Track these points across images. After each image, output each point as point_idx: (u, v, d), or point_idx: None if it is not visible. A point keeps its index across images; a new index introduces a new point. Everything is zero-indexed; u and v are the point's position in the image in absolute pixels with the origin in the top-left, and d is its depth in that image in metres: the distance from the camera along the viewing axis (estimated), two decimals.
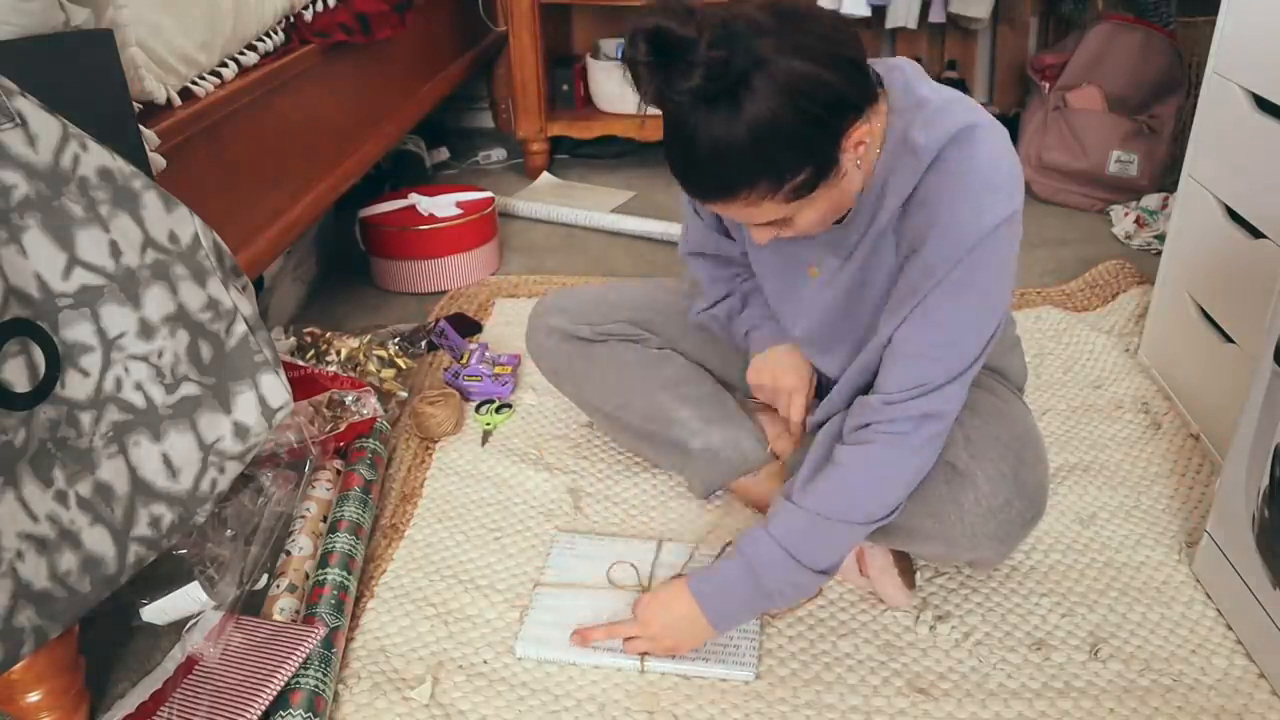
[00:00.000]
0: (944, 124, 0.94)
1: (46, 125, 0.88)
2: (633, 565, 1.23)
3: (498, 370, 1.66)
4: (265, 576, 1.23)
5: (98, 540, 0.94)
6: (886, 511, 1.02)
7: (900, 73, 0.98)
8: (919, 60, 2.82)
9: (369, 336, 1.71)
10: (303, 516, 1.27)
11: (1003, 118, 2.74)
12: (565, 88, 2.82)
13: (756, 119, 0.84)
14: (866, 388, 1.05)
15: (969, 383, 1.01)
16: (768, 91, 0.83)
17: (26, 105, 0.86)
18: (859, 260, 1.05)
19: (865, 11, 2.63)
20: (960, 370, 0.99)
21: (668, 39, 0.81)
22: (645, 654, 1.09)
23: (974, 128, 0.94)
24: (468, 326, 1.88)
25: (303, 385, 1.45)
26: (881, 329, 1.02)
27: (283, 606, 1.14)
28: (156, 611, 1.15)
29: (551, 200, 2.53)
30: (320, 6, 1.82)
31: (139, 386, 0.97)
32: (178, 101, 1.32)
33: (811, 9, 0.89)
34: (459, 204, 2.13)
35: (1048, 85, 2.46)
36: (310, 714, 0.99)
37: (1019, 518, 1.04)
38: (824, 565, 1.03)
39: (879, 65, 0.97)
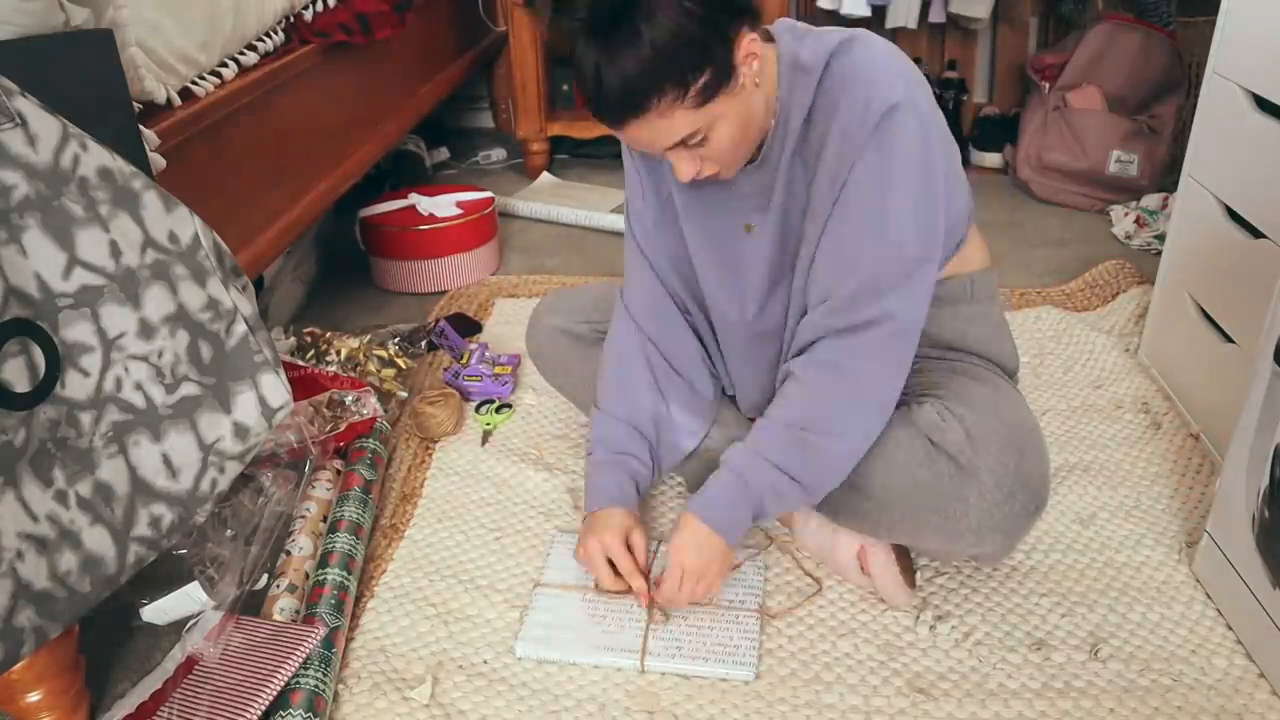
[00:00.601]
0: (826, 41, 1.02)
1: (46, 125, 0.88)
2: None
3: (498, 370, 1.66)
4: (265, 576, 1.23)
5: (98, 540, 0.94)
6: (867, 414, 1.04)
7: (782, 22, 1.06)
8: (919, 60, 2.84)
9: (369, 336, 1.71)
10: (303, 516, 1.27)
11: (1003, 118, 2.76)
12: (565, 88, 2.82)
13: (653, 29, 0.89)
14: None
15: (922, 285, 1.02)
16: (657, 2, 0.89)
17: (26, 105, 0.86)
18: (780, 198, 1.07)
19: (865, 11, 2.63)
20: (899, 267, 1.00)
21: None
22: (691, 603, 1.12)
23: (852, 39, 1.02)
24: (468, 326, 1.88)
25: (303, 385, 1.45)
26: (804, 248, 1.05)
27: (283, 606, 1.14)
28: (156, 611, 1.15)
29: (551, 200, 2.53)
30: (320, 6, 1.82)
31: (139, 386, 0.97)
32: (178, 101, 1.32)
33: None
34: (459, 204, 2.13)
35: (1048, 85, 2.46)
36: (310, 714, 0.99)
37: (1023, 510, 1.05)
38: (802, 477, 1.06)
39: (767, 25, 1.05)
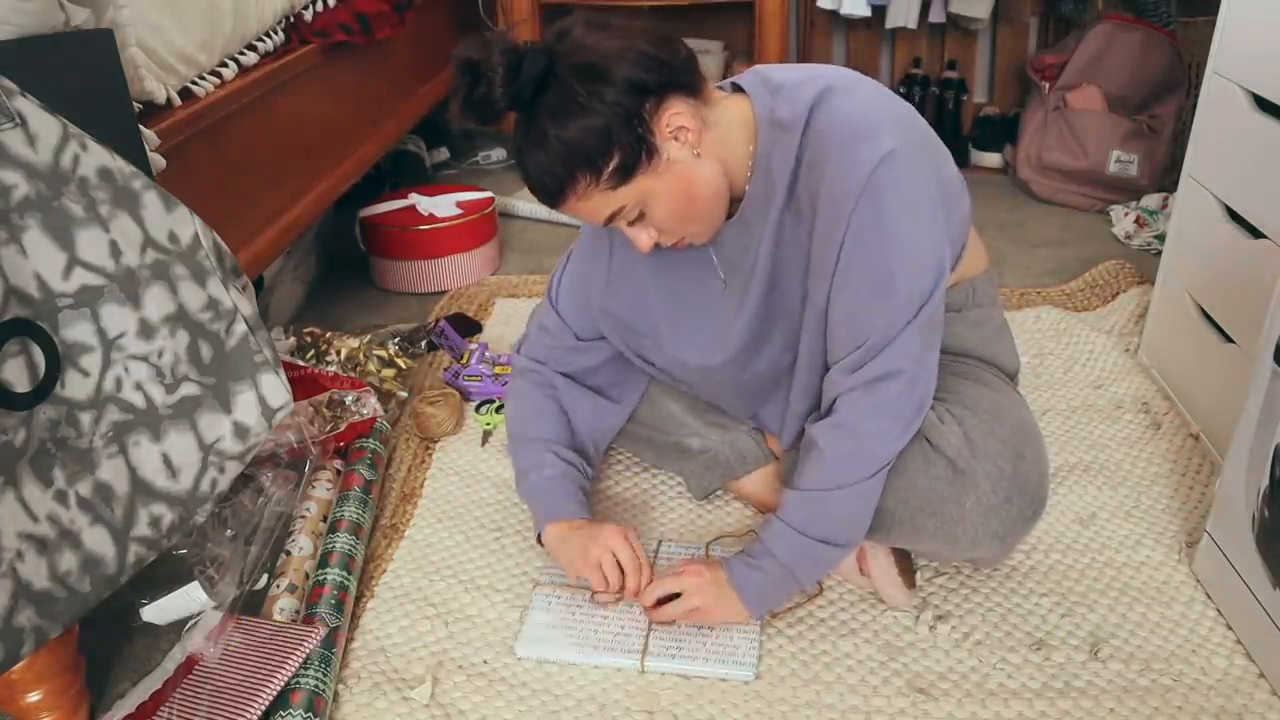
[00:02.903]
0: (803, 95, 1.01)
1: (46, 125, 0.88)
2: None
3: (498, 370, 1.66)
4: (265, 576, 1.23)
5: (98, 540, 0.94)
6: (875, 470, 1.03)
7: (754, 72, 1.06)
8: (918, 60, 2.84)
9: (369, 336, 1.72)
10: (303, 516, 1.27)
11: (1003, 118, 2.76)
12: None
13: (555, 120, 0.94)
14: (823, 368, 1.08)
15: (925, 332, 1.01)
16: (559, 92, 0.94)
17: (26, 105, 0.86)
18: (765, 255, 1.07)
19: (865, 11, 2.64)
20: (902, 319, 0.99)
21: (469, 64, 0.93)
22: (667, 623, 1.12)
23: (829, 90, 1.00)
24: (468, 326, 1.88)
25: (303, 385, 1.45)
26: (814, 298, 1.05)
27: (283, 606, 1.14)
28: (156, 611, 1.15)
29: None
30: (320, 6, 1.82)
31: (139, 386, 0.97)
32: (178, 101, 1.32)
33: (610, 25, 0.98)
34: (459, 204, 2.13)
35: (1048, 85, 2.46)
36: (310, 714, 0.99)
37: (1020, 514, 1.05)
38: (844, 539, 1.06)
39: (737, 77, 1.07)
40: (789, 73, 1.05)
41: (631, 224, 1.03)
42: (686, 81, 0.99)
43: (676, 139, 0.98)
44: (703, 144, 1.00)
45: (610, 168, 0.96)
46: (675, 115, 0.97)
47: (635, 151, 0.96)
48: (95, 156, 0.92)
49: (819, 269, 1.03)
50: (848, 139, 0.97)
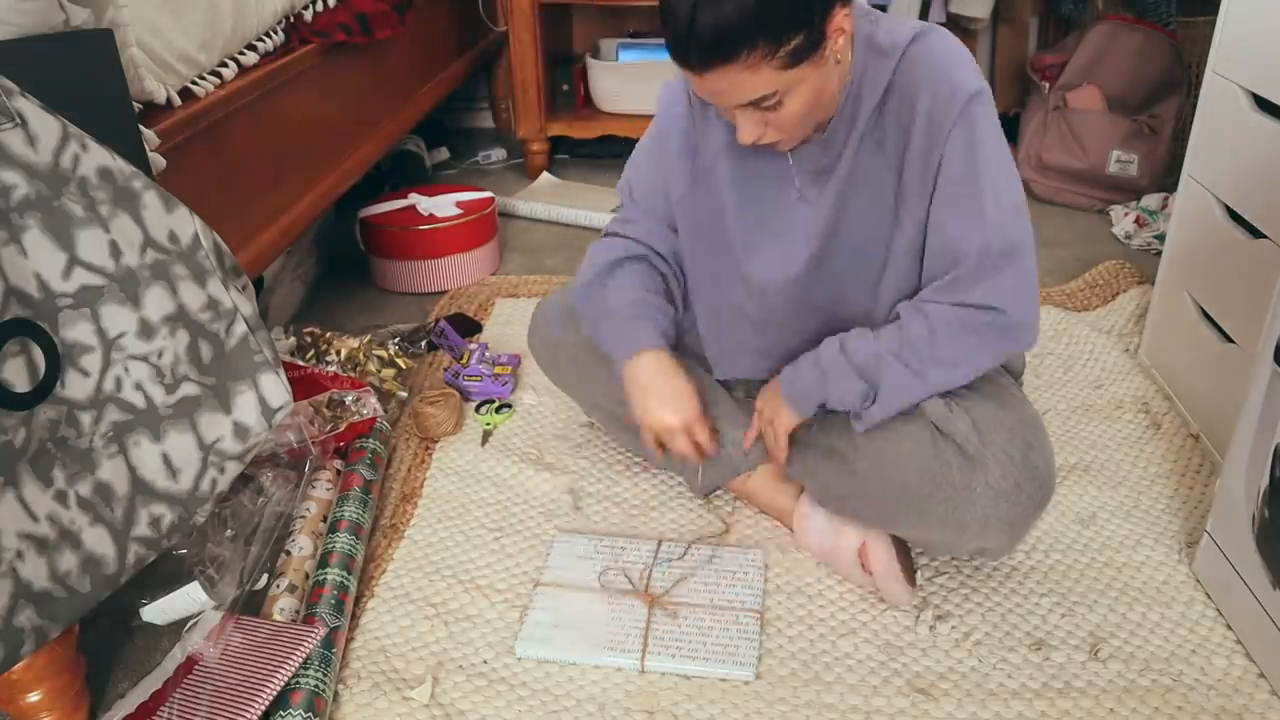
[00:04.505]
0: (904, 27, 1.04)
1: (46, 125, 0.88)
2: (624, 574, 1.23)
3: (498, 370, 1.66)
4: (265, 576, 1.23)
5: (98, 540, 0.94)
6: (938, 379, 1.06)
7: (856, 2, 1.05)
8: None
9: (369, 336, 1.72)
10: (303, 516, 1.27)
11: (1003, 118, 2.75)
12: (565, 88, 2.82)
13: None
14: (887, 310, 1.12)
15: (1026, 274, 1.04)
16: None
17: (26, 105, 0.86)
18: (842, 176, 1.08)
19: None
20: (1002, 243, 1.01)
21: None
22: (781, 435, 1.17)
23: (930, 29, 1.04)
24: (468, 326, 1.88)
25: (303, 385, 1.45)
26: (905, 227, 1.07)
27: (283, 606, 1.14)
28: (156, 611, 1.15)
29: (551, 200, 2.52)
30: (320, 6, 1.82)
31: (139, 386, 0.97)
32: (178, 101, 1.32)
33: None
34: (459, 204, 2.13)
35: (1048, 85, 2.46)
36: (310, 714, 0.99)
37: (1029, 501, 1.05)
38: (875, 382, 1.07)
39: None
40: (889, 14, 1.08)
41: (758, 110, 0.99)
42: None
43: (834, 39, 0.97)
44: (840, 50, 1.00)
45: (790, 46, 0.93)
46: (846, 17, 0.97)
47: (815, 39, 0.95)
48: (95, 156, 0.92)
49: (915, 192, 1.05)
50: (945, 70, 1.01)
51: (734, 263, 1.20)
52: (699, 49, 0.93)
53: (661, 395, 1.16)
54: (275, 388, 1.08)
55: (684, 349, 1.30)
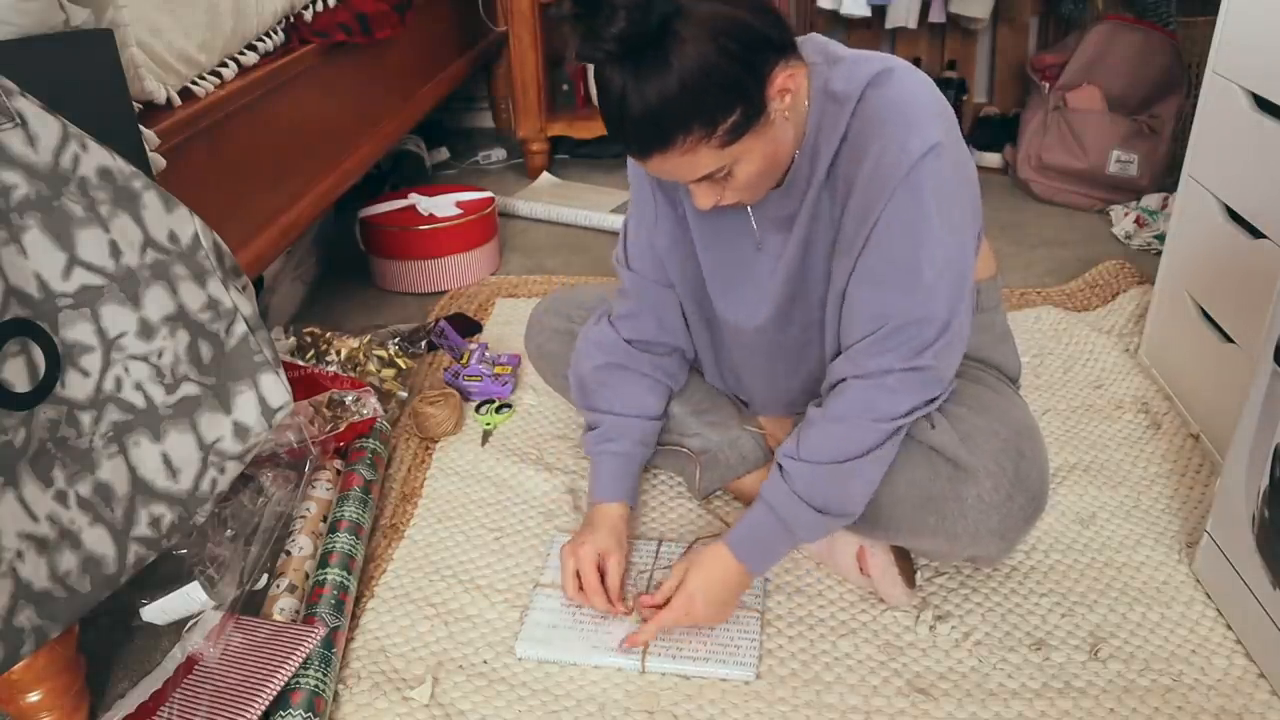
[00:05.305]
0: (861, 71, 0.98)
1: (46, 125, 0.88)
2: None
3: (498, 370, 1.66)
4: (265, 576, 1.23)
5: (98, 540, 0.94)
6: (874, 443, 1.03)
7: (813, 41, 1.03)
8: (918, 61, 2.84)
9: (369, 336, 1.72)
10: (303, 516, 1.27)
11: (1003, 118, 2.76)
12: (565, 88, 2.82)
13: (684, 63, 0.86)
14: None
15: (952, 338, 1.00)
16: (692, 35, 0.86)
17: (26, 105, 0.86)
18: (803, 225, 1.06)
19: (865, 11, 2.64)
20: (927, 317, 0.98)
21: None
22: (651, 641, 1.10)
23: (890, 71, 0.98)
24: (468, 326, 1.88)
25: (303, 385, 1.45)
26: (835, 279, 1.04)
27: (283, 606, 1.14)
28: (156, 611, 1.15)
29: (551, 200, 2.53)
30: (320, 6, 1.82)
31: (139, 386, 0.97)
32: (178, 101, 1.32)
33: None
34: (459, 204, 2.13)
35: (1048, 85, 2.46)
36: (310, 714, 0.99)
37: (1020, 512, 1.05)
38: (845, 510, 1.06)
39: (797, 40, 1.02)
40: (846, 49, 1.02)
41: (712, 181, 0.98)
42: (791, 41, 0.96)
43: (779, 100, 0.94)
44: (789, 108, 0.97)
45: (727, 124, 0.90)
46: (790, 76, 0.93)
47: (754, 110, 0.92)
48: (95, 156, 0.92)
49: (845, 247, 1.02)
50: (897, 124, 0.95)
51: (712, 308, 1.22)
52: (634, 138, 0.92)
53: (594, 530, 1.18)
54: (275, 388, 1.08)
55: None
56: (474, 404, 1.60)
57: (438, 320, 1.84)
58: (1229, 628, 1.12)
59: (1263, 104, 1.31)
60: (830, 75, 0.99)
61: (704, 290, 1.21)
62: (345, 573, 1.18)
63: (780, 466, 1.07)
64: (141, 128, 1.16)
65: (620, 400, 1.25)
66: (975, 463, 1.04)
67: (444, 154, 2.89)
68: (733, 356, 1.28)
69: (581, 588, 1.14)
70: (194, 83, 1.38)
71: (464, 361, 1.71)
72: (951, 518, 1.05)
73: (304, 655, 1.04)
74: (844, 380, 1.04)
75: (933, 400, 1.04)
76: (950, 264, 0.98)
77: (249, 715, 0.98)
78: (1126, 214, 2.28)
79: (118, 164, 0.94)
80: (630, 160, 1.16)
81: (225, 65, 1.47)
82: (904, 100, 0.97)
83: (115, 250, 0.94)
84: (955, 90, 2.77)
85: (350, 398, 1.46)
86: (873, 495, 1.08)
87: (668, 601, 1.09)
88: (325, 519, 1.28)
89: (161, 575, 1.15)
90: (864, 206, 0.98)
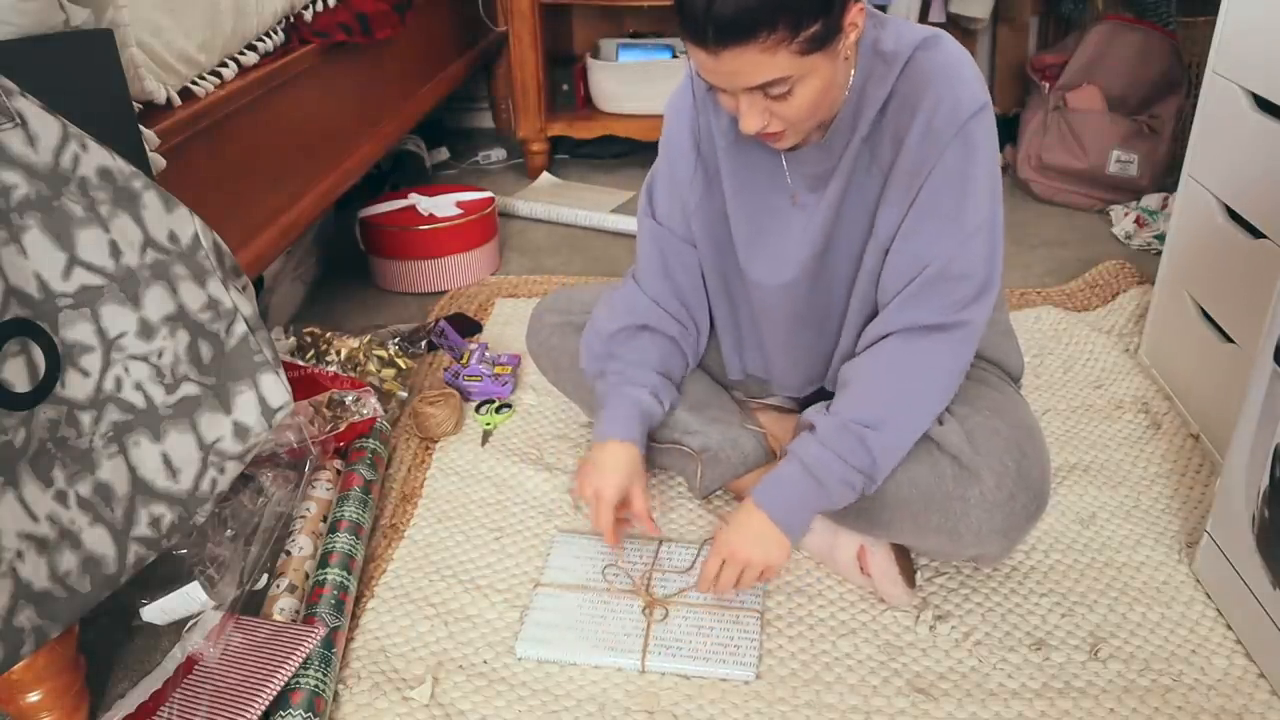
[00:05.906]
0: (910, 33, 1.02)
1: (46, 125, 0.88)
2: (626, 571, 1.23)
3: (498, 370, 1.66)
4: (265, 576, 1.23)
5: (98, 540, 0.94)
6: (929, 412, 1.05)
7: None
8: None
9: (369, 336, 1.71)
10: (303, 516, 1.27)
11: (1003, 118, 2.76)
12: (565, 88, 2.82)
13: None
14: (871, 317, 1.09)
15: (990, 293, 1.03)
16: None
17: (26, 105, 0.86)
18: (839, 182, 1.07)
19: None
20: (972, 272, 1.02)
21: None
22: (737, 585, 1.10)
23: (937, 36, 1.02)
24: (468, 326, 1.88)
25: (303, 385, 1.45)
26: (879, 231, 1.06)
27: (283, 606, 1.14)
28: (156, 611, 1.15)
29: (551, 200, 2.53)
30: (320, 6, 1.82)
31: (139, 386, 0.97)
32: (178, 101, 1.32)
33: None
34: (459, 204, 2.13)
35: (1048, 85, 2.46)
36: (310, 714, 0.99)
37: (1023, 511, 1.05)
38: (876, 468, 1.05)
39: None
40: (895, 17, 1.06)
41: (767, 98, 0.97)
42: None
43: (847, 34, 0.96)
44: (849, 48, 0.98)
45: (809, 32, 0.91)
46: (860, 12, 0.96)
47: (832, 28, 0.93)
48: (95, 156, 0.92)
49: (895, 198, 1.04)
50: (950, 82, 0.99)
51: (737, 264, 1.21)
52: (717, 27, 0.90)
53: (601, 470, 1.18)
54: (275, 388, 1.08)
55: (703, 366, 1.35)
56: (474, 404, 1.60)
57: (438, 320, 1.84)
58: (1229, 628, 1.12)
59: (1263, 104, 1.31)
60: (879, 35, 1.02)
61: (729, 252, 1.21)
62: (345, 573, 1.18)
63: (812, 425, 1.07)
64: (141, 128, 1.16)
65: (643, 354, 1.24)
66: (978, 462, 1.04)
67: (444, 154, 2.89)
68: (755, 325, 1.26)
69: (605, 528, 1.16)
70: (194, 83, 1.38)
71: (464, 361, 1.71)
72: (955, 516, 1.05)
73: (304, 655, 1.04)
74: (883, 338, 1.05)
75: (964, 368, 1.06)
76: (987, 221, 1.03)
77: (249, 715, 0.98)
78: (1126, 214, 2.28)
79: (118, 164, 0.94)
80: (668, 115, 1.18)
81: (225, 65, 1.47)
82: (952, 64, 1.01)
83: (115, 250, 0.94)
84: None
85: (350, 398, 1.46)
86: (877, 494, 1.08)
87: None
88: (325, 519, 1.28)
89: (161, 575, 1.15)
90: (918, 160, 1.01)
